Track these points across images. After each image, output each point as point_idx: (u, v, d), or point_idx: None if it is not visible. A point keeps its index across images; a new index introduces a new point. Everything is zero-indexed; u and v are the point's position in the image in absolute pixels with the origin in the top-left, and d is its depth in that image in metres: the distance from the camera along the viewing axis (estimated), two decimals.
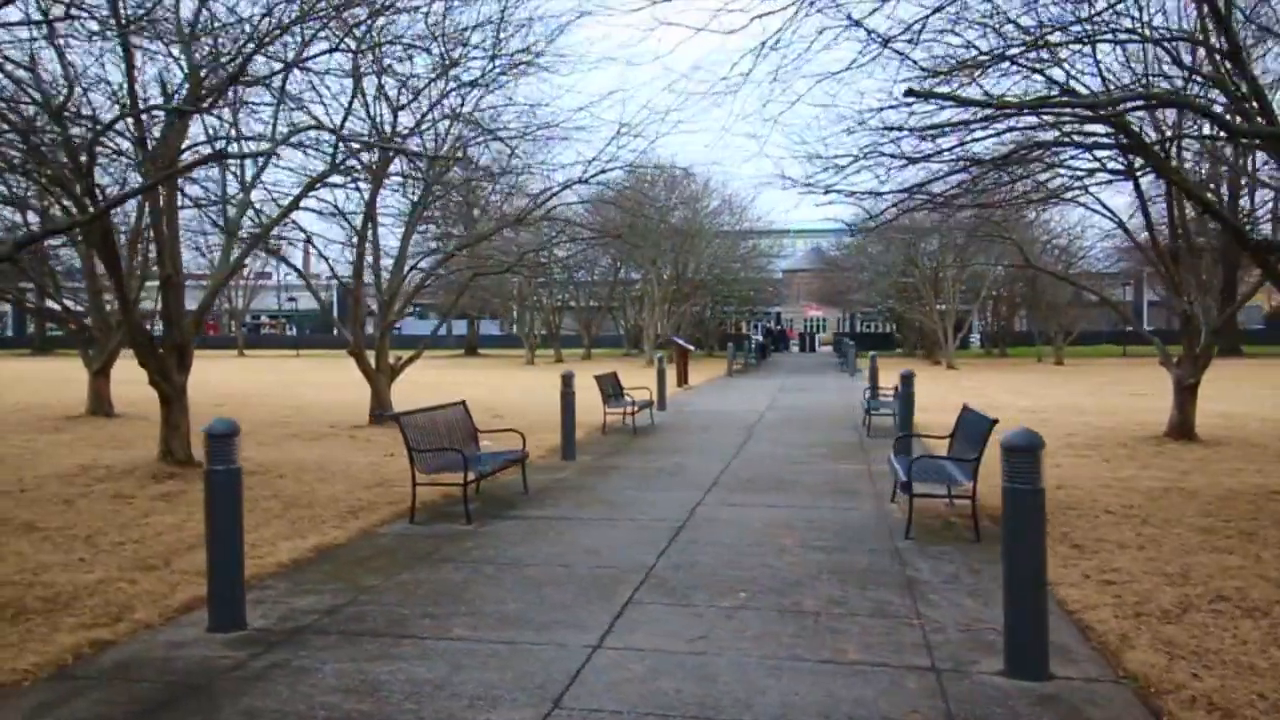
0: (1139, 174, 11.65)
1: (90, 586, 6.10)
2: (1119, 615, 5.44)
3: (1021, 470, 4.55)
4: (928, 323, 41.54)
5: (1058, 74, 9.19)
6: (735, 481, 10.30)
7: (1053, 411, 18.13)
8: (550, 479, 10.44)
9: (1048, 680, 4.46)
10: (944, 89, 8.60)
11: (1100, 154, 10.88)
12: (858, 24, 7.88)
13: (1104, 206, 13.86)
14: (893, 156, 9.29)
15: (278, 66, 9.80)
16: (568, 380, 12.49)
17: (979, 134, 9.20)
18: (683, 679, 4.48)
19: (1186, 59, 9.89)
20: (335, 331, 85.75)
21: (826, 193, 9.26)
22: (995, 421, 7.47)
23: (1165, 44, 9.05)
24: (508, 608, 5.66)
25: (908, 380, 11.78)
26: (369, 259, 14.86)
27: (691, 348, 30.83)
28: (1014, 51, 8.28)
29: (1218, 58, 8.01)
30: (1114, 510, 8.39)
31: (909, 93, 7.44)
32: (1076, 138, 8.87)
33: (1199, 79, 9.15)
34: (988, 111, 8.02)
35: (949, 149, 9.54)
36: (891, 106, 8.43)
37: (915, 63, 8.58)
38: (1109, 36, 7.99)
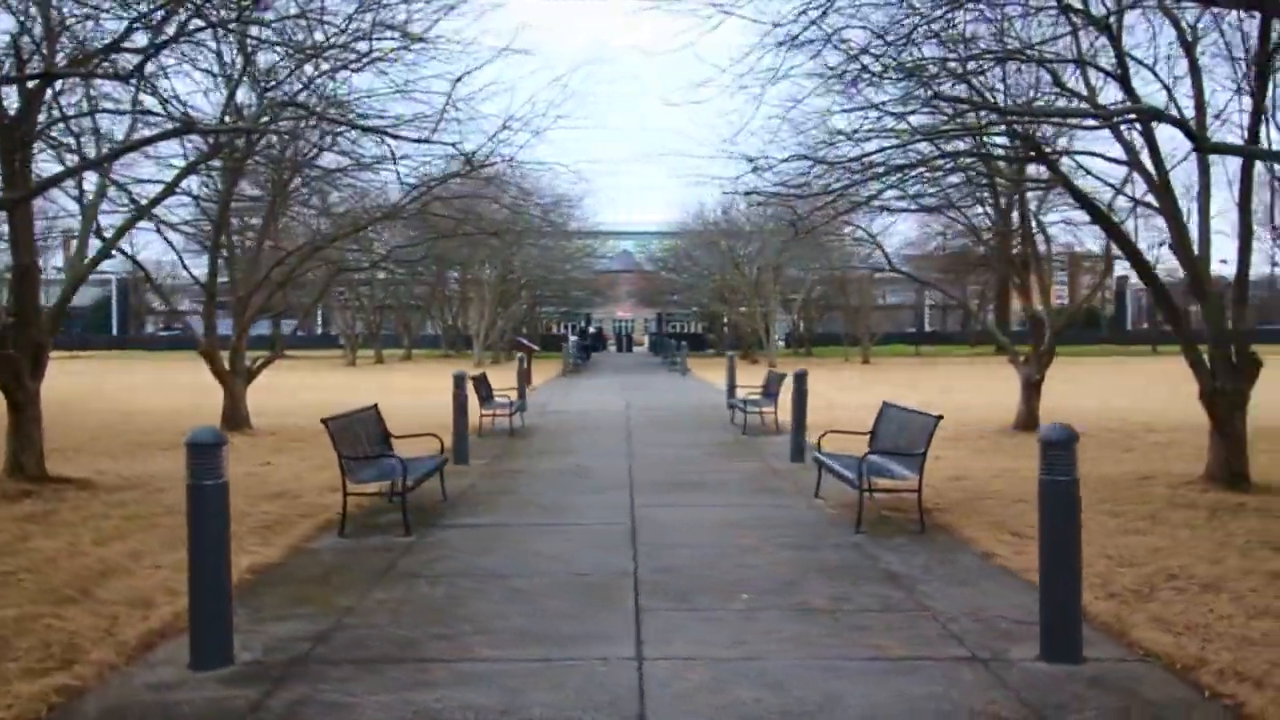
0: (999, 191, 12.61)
1: (9, 624, 5.26)
2: (1097, 597, 5.77)
3: (1059, 463, 4.76)
4: (747, 323, 43.03)
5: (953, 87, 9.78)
6: (650, 482, 10.24)
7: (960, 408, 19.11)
8: (457, 485, 9.97)
9: (1084, 664, 4.68)
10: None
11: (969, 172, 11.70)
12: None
13: (965, 217, 14.84)
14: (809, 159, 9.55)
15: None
16: (459, 382, 12.03)
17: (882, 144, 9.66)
18: (751, 687, 4.37)
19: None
20: (116, 330, 79.31)
21: (747, 195, 9.36)
22: (940, 418, 7.80)
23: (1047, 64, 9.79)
24: (515, 623, 5.35)
25: (801, 379, 12.10)
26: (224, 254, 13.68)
27: (535, 348, 30.49)
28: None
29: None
30: (1023, 499, 8.93)
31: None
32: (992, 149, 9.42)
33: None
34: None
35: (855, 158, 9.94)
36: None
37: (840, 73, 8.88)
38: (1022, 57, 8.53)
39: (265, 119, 8.72)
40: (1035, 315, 14.38)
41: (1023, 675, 4.53)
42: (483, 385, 15.04)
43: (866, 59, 8.63)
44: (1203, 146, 5.38)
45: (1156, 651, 4.81)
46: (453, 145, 8.49)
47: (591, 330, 75.86)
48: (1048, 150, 9.21)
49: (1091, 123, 9.81)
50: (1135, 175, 10.04)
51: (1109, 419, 16.33)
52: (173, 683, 4.48)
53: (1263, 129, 8.27)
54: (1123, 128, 9.08)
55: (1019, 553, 6.87)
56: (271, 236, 15.32)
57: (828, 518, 8.32)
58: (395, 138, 8.50)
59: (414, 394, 23.08)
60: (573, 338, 61.50)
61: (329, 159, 14.45)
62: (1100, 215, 9.39)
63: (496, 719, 4.04)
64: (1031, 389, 14.41)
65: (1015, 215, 14.78)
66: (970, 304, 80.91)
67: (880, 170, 10.06)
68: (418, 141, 8.36)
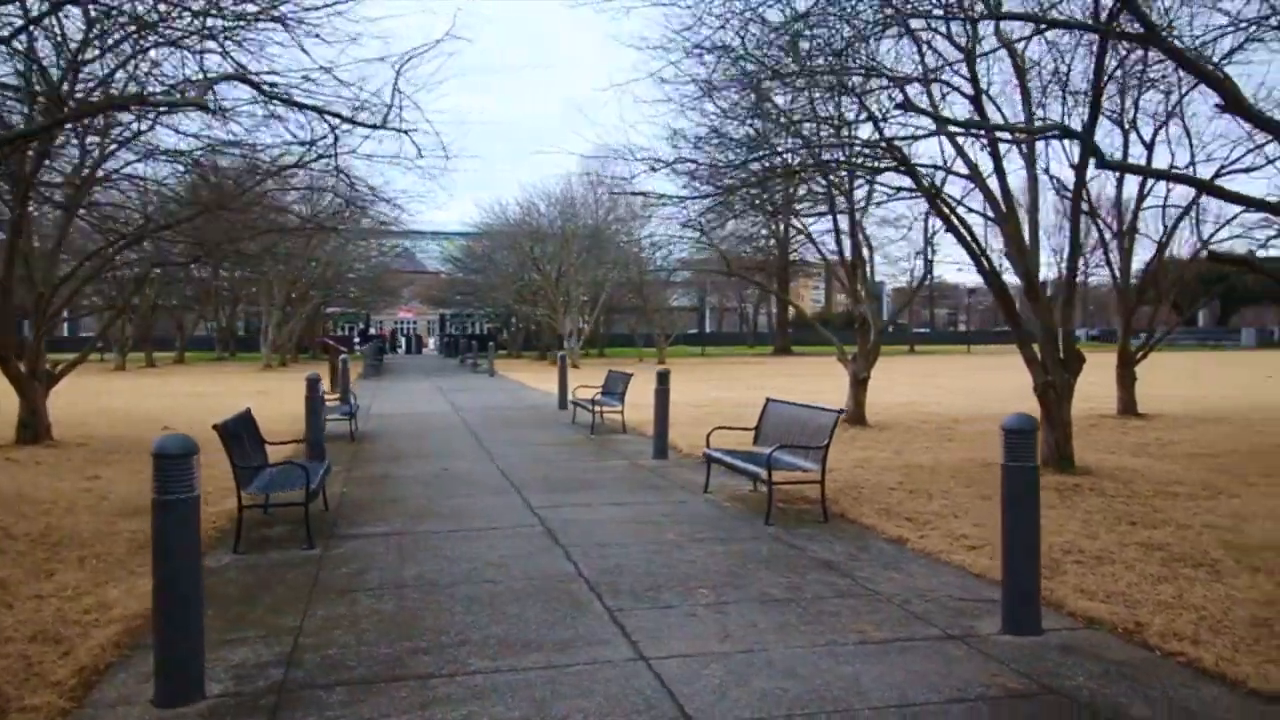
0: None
1: None
2: (1059, 569, 6.29)
3: (1020, 450, 5.15)
4: (547, 324, 43.08)
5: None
6: (531, 483, 10.08)
7: (729, 405, 19.86)
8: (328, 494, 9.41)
9: (1044, 635, 5.09)
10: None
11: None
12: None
13: (803, 225, 15.64)
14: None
15: None
16: (314, 384, 11.35)
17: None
18: (769, 677, 4.44)
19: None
20: None
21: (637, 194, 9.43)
22: (841, 412, 8.19)
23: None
24: (492, 631, 5.14)
25: (663, 379, 12.30)
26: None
27: (344, 350, 29.07)
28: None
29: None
30: (895, 487, 9.55)
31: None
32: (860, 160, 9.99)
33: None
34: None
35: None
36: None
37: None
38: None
39: (189, 93, 7.72)
40: (862, 315, 15.36)
41: (1001, 649, 4.87)
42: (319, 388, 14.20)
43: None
44: (1103, 164, 6.01)
45: (1097, 619, 5.31)
46: (404, 133, 7.91)
47: (373, 332, 73.32)
48: (914, 164, 9.90)
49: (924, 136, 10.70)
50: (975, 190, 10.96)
51: (922, 413, 17.72)
52: None
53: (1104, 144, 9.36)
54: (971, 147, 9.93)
55: (923, 537, 7.36)
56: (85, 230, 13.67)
57: (729, 512, 8.53)
58: (345, 120, 7.82)
59: (201, 399, 21.48)
60: (355, 339, 59.28)
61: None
62: (953, 226, 10.20)
63: None
64: (859, 385, 15.38)
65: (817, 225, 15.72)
66: (745, 307, 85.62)
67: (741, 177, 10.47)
68: (368, 126, 7.73)
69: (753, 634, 5.08)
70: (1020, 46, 10.05)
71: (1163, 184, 14.40)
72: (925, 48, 10.40)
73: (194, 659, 4.23)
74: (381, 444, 13.69)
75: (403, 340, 76.26)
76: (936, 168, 10.45)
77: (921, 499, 8.87)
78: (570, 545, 7.16)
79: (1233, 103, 6.17)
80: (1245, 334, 73.77)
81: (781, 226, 54.41)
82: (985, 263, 10.16)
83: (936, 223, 15.89)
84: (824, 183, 13.74)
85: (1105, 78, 8.64)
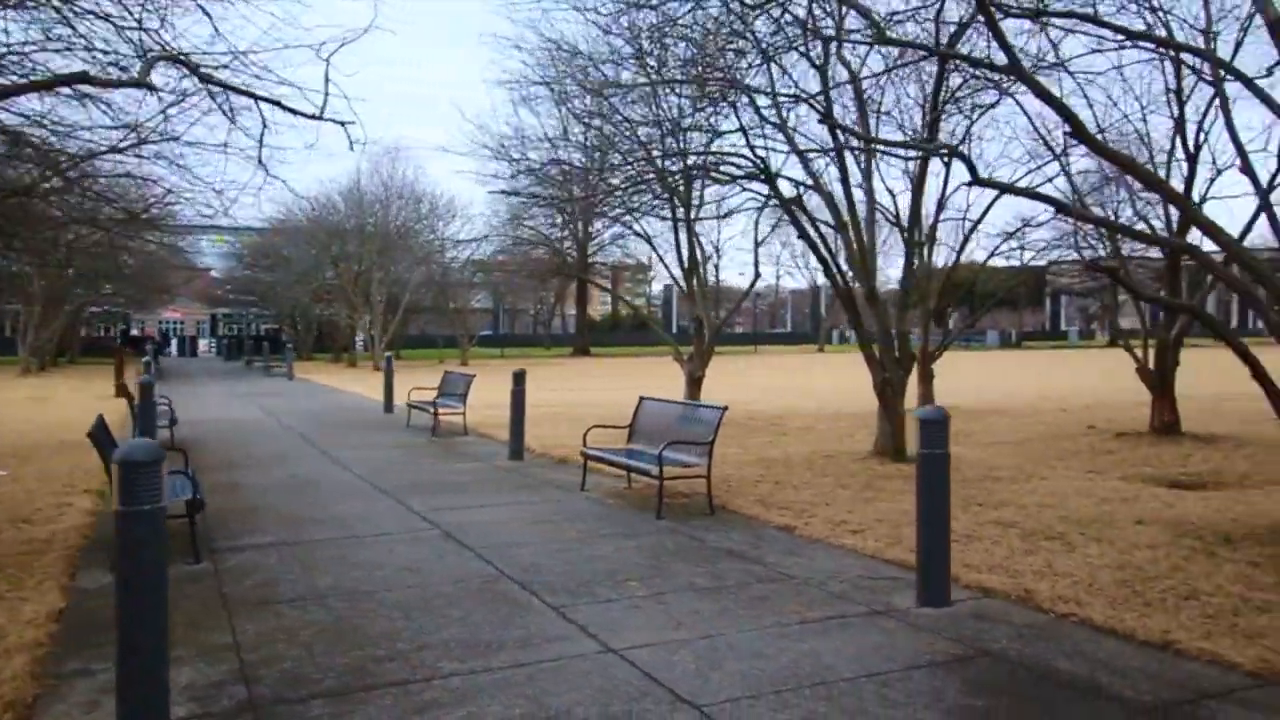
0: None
1: None
2: (909, 550, 6.86)
3: (935, 439, 5.66)
4: (350, 324, 41.50)
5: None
6: (399, 487, 9.82)
7: (563, 406, 19.96)
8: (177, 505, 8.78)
9: (954, 605, 5.63)
10: None
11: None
12: None
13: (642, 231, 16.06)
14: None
15: None
16: (147, 390, 10.51)
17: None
18: (740, 660, 4.67)
19: None
20: None
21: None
22: (725, 408, 8.57)
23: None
24: (446, 634, 5.07)
25: (519, 379, 12.29)
26: None
27: (137, 351, 26.70)
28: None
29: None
30: (760, 480, 10.05)
31: None
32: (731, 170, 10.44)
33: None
34: None
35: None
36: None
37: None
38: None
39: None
40: (699, 317, 15.95)
41: (925, 620, 5.35)
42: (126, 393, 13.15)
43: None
44: (977, 181, 6.71)
45: (991, 589, 5.91)
46: (342, 124, 7.32)
47: (135, 333, 67.72)
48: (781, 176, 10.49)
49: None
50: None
51: (750, 410, 18.59)
52: None
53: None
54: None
55: (807, 524, 7.85)
56: None
57: (614, 508, 8.71)
58: (286, 109, 7.14)
59: None
60: (116, 341, 54.44)
61: None
62: (805, 234, 10.88)
63: None
64: (694, 384, 15.96)
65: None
66: (541, 309, 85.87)
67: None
68: (308, 116, 7.12)
69: (701, 621, 5.30)
70: (864, 69, 10.86)
71: (960, 199, 15.89)
72: (776, 65, 11.01)
73: (161, 681, 3.95)
74: (209, 452, 12.82)
75: (174, 342, 70.86)
76: (794, 181, 11.09)
77: (789, 490, 9.41)
78: (476, 547, 7.11)
79: (1077, 130, 7.03)
80: (990, 335, 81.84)
81: (580, 228, 55.13)
82: (833, 269, 10.90)
83: (764, 229, 16.79)
84: (663, 189, 14.17)
85: (947, 98, 9.54)
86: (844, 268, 11.43)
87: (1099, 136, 9.14)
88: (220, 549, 7.12)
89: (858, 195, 11.05)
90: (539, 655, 4.74)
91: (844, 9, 9.73)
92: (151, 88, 6.95)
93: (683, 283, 16.12)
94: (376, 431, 15.47)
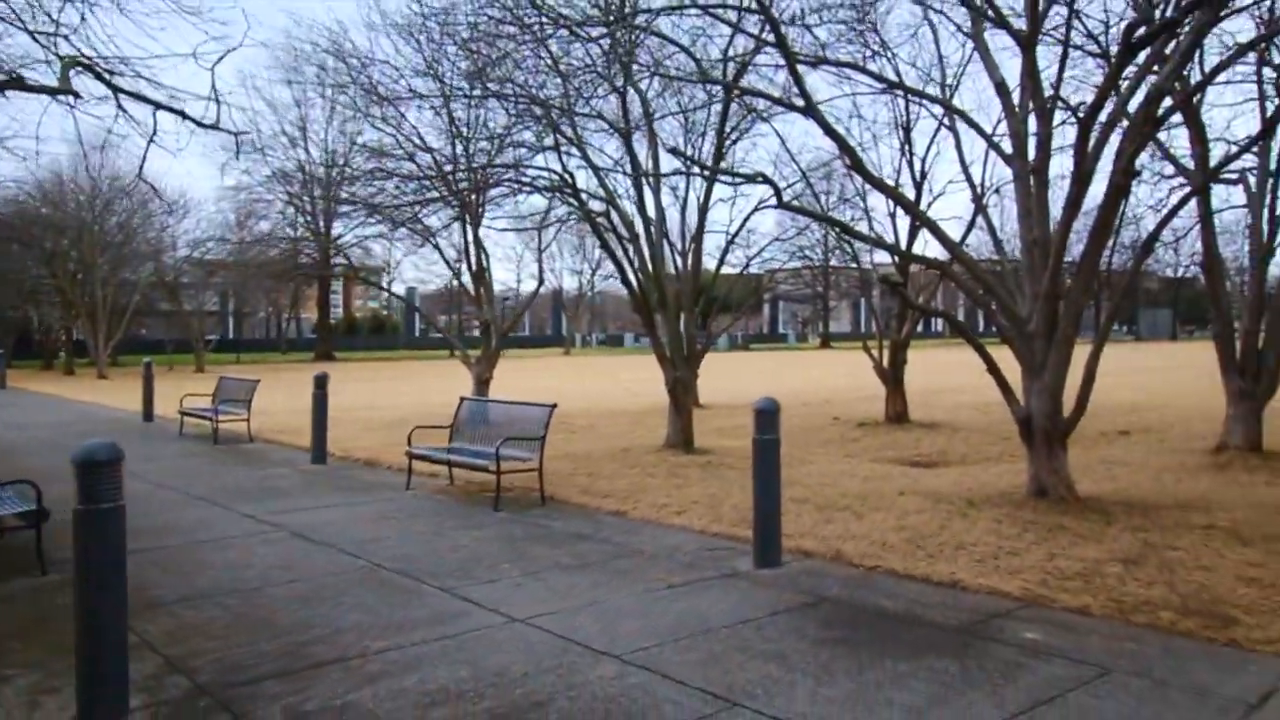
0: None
1: None
2: (733, 525, 7.88)
3: (766, 426, 6.67)
4: (65, 327, 37.71)
5: None
6: (216, 493, 9.65)
7: (337, 410, 19.51)
8: None
9: (786, 566, 6.67)
10: None
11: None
12: None
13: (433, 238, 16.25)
14: None
15: None
16: None
17: None
18: (632, 620, 5.41)
19: None
20: None
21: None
22: (554, 406, 9.23)
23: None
24: (356, 619, 5.41)
25: (321, 384, 12.24)
26: None
27: None
28: None
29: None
30: (574, 473, 10.79)
31: None
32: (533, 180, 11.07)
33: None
34: None
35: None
36: None
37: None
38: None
39: None
40: (486, 321, 16.40)
41: (767, 578, 6.34)
42: None
43: None
44: (782, 204, 7.80)
45: (809, 551, 7.03)
46: (235, 135, 6.89)
47: None
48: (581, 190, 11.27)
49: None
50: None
51: None
52: None
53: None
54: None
55: (635, 508, 8.71)
56: None
57: (448, 503, 9.13)
58: (187, 118, 6.59)
59: None
60: None
61: None
62: (605, 244, 11.76)
63: (499, 681, 4.47)
64: (483, 385, 16.41)
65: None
66: (276, 312, 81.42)
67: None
68: (205, 126, 6.60)
69: (582, 592, 5.99)
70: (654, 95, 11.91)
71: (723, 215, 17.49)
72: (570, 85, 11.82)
73: (122, 674, 4.11)
74: None
75: None
76: (591, 194, 11.91)
77: (604, 481, 10.23)
78: (336, 544, 7.35)
79: (855, 165, 8.38)
80: (722, 340, 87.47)
81: (324, 229, 53.20)
82: (634, 277, 11.86)
83: (548, 235, 17.53)
84: (453, 198, 14.55)
85: (731, 128, 10.77)
86: (637, 275, 12.42)
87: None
88: (57, 560, 6.86)
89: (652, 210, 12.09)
90: (456, 629, 5.24)
91: (634, 38, 10.73)
92: (75, 94, 6.54)
93: (470, 287, 16.52)
94: (150, 442, 14.65)
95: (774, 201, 8.42)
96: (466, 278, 16.37)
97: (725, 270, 16.57)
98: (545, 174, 11.77)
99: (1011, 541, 7.14)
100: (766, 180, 8.07)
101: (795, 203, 13.54)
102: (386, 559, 6.84)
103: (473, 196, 14.94)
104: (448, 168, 14.43)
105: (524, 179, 11.96)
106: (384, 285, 35.64)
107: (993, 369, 8.93)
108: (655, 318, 12.35)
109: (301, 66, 24.00)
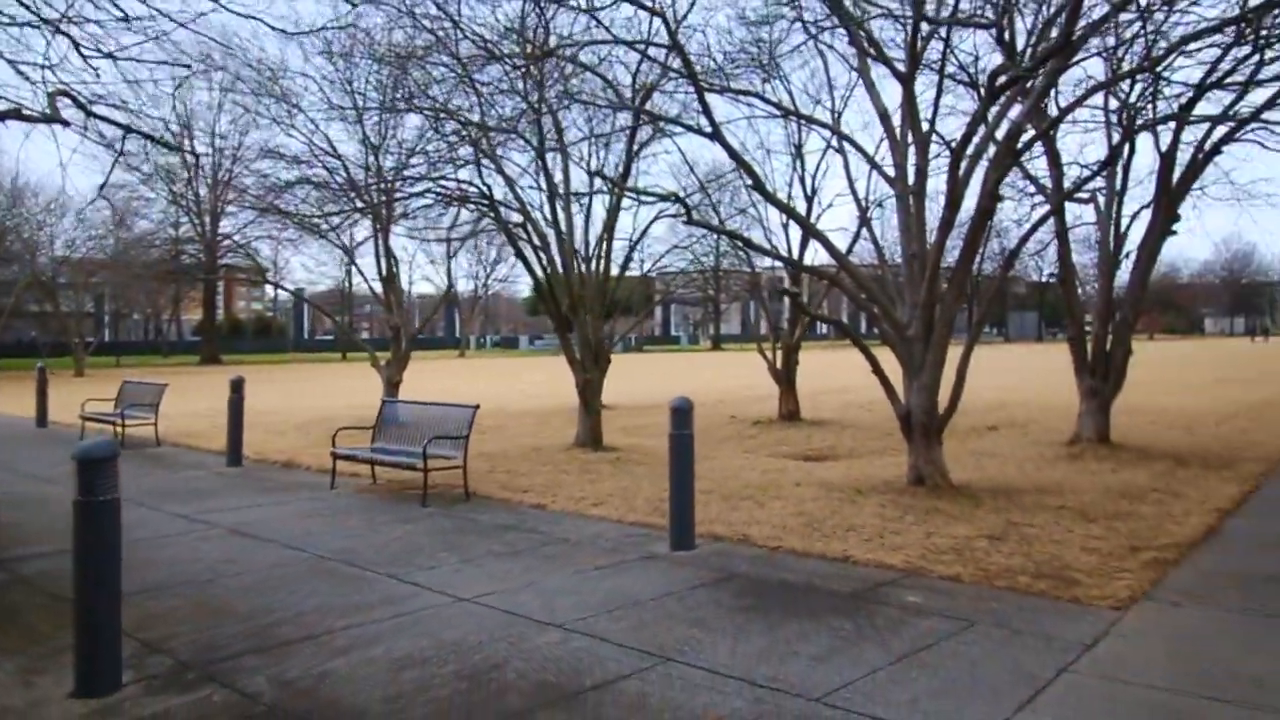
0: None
1: None
2: (648, 514, 8.58)
3: (681, 422, 7.39)
4: None
5: None
6: (139, 494, 9.75)
7: (268, 412, 19.38)
8: None
9: (699, 548, 7.40)
10: None
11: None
12: None
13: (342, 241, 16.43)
14: None
15: None
16: None
17: None
18: (568, 596, 6.05)
19: None
20: None
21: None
22: (477, 407, 9.76)
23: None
24: (313, 602, 5.89)
25: (237, 387, 12.41)
26: None
27: None
28: None
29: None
30: (492, 470, 11.31)
31: None
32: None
33: None
34: None
35: None
36: None
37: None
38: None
39: None
40: (396, 324, 16.70)
41: (684, 559, 7.05)
42: None
43: None
44: (690, 221, 8.53)
45: (719, 535, 7.79)
46: (196, 156, 6.99)
47: None
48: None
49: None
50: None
51: None
52: (87, 714, 4.27)
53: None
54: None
55: (554, 501, 9.33)
56: None
57: (374, 500, 9.56)
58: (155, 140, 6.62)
59: None
60: None
61: None
62: (519, 252, 12.33)
63: (458, 649, 5.04)
64: (393, 388, 16.70)
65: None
66: (155, 314, 78.43)
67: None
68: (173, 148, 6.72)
69: (518, 575, 6.59)
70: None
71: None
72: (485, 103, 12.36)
73: (115, 652, 4.53)
74: None
75: None
76: (509, 207, 12.45)
77: (521, 477, 10.80)
78: (276, 539, 7.74)
79: (757, 185, 9.21)
80: (634, 340, 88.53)
81: (209, 229, 51.87)
82: (546, 284, 12.46)
83: (459, 242, 17.91)
84: (365, 206, 14.87)
85: (638, 150, 11.51)
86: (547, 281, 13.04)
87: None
88: (1, 559, 7.08)
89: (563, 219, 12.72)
90: (409, 608, 5.78)
91: (542, 62, 11.35)
92: (65, 123, 6.65)
93: (380, 291, 16.80)
94: (49, 447, 14.45)
95: (673, 213, 9.16)
96: (374, 283, 16.58)
97: (626, 275, 17.34)
98: (464, 186, 12.27)
99: (894, 523, 8.06)
100: (679, 200, 8.82)
101: (694, 213, 14.38)
102: (328, 551, 7.29)
103: (384, 208, 15.27)
104: (358, 176, 14.75)
105: (441, 190, 12.42)
106: (290, 289, 34.93)
107: (877, 370, 9.89)
108: (567, 322, 12.96)
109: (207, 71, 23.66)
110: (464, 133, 11.62)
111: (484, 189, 11.98)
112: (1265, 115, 11.13)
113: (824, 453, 13.47)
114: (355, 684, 4.54)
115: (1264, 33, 9.35)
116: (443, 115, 11.89)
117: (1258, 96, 11.19)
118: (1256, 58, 10.68)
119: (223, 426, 14.85)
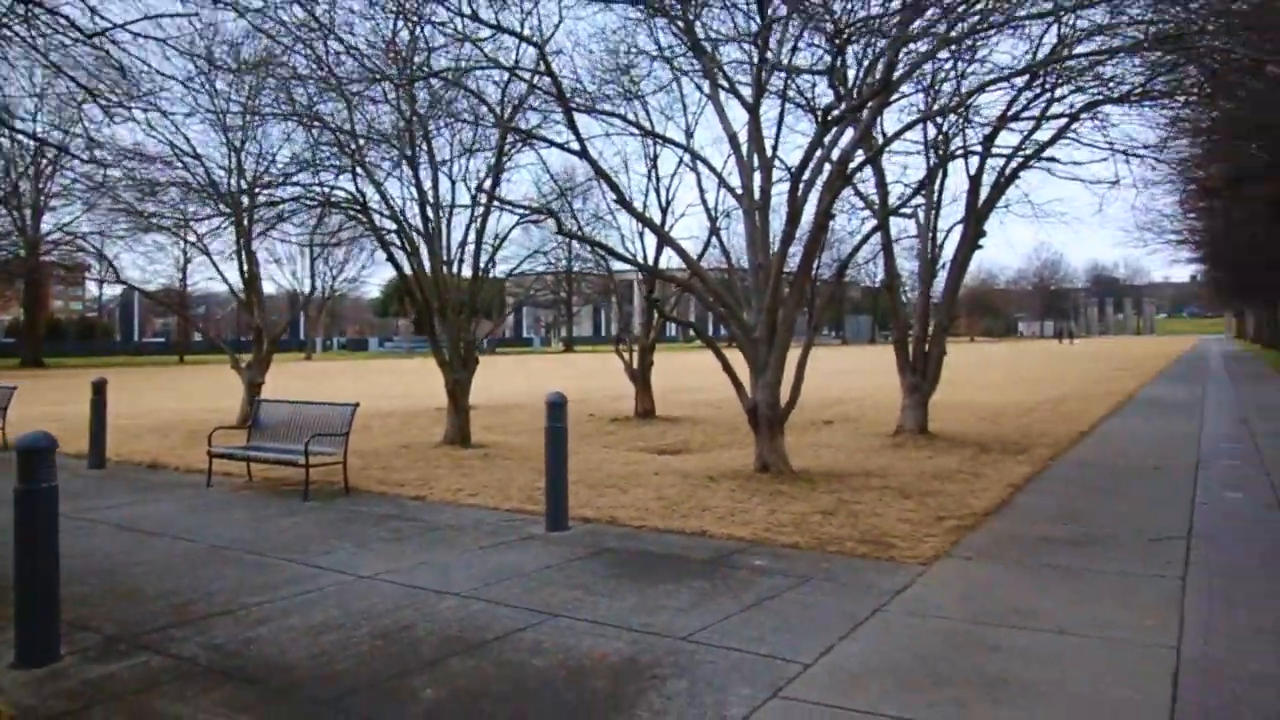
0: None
1: None
2: (524, 502, 9.33)
3: (556, 416, 8.19)
4: None
5: None
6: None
7: (116, 416, 18.83)
8: None
9: (572, 529, 8.22)
10: None
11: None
12: None
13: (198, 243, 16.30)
14: None
15: None
16: None
17: None
18: (462, 570, 6.75)
19: None
20: None
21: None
22: (357, 405, 10.24)
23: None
24: (222, 583, 6.37)
25: (99, 389, 12.34)
26: None
27: None
28: None
29: None
30: (367, 466, 11.76)
31: None
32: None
33: None
34: None
35: None
36: None
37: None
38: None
39: None
40: (257, 326, 16.74)
41: (560, 538, 7.85)
42: None
43: None
44: (562, 231, 9.32)
45: (589, 518, 8.63)
46: (104, 167, 6.86)
47: None
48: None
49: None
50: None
51: None
52: (52, 674, 4.72)
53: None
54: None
55: (432, 493, 9.95)
56: None
57: (255, 497, 9.92)
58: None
59: None
60: None
61: None
62: (392, 257, 12.81)
63: (369, 616, 5.68)
64: (254, 390, 16.75)
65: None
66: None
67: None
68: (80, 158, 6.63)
69: (410, 556, 7.24)
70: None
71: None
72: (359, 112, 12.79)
73: (55, 625, 4.97)
74: None
75: None
76: (380, 214, 12.90)
77: (396, 473, 11.33)
78: (164, 533, 8.07)
79: (620, 200, 10.11)
80: (486, 343, 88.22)
81: (30, 224, 48.86)
82: (418, 288, 12.99)
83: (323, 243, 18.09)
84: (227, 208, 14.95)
85: (505, 161, 12.25)
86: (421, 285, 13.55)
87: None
88: None
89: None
90: (315, 585, 6.36)
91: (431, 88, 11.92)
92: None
93: (242, 293, 16.81)
94: None
95: (535, 219, 9.96)
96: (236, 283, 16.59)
97: (484, 278, 17.96)
98: (332, 190, 12.65)
99: (743, 504, 9.12)
100: (551, 213, 9.62)
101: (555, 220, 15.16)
102: (222, 542, 7.71)
103: (245, 210, 15.36)
104: (219, 176, 14.81)
105: (309, 195, 12.75)
106: (140, 286, 33.27)
107: (726, 368, 10.97)
108: (435, 324, 13.51)
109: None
110: (334, 138, 12.01)
111: (355, 195, 12.41)
112: (1049, 151, 12.91)
113: (679, 446, 14.52)
114: (281, 646, 5.14)
115: (1048, 82, 10.98)
116: (314, 125, 12.24)
117: (1045, 134, 12.97)
118: (1046, 98, 12.44)
119: (70, 430, 14.71)
